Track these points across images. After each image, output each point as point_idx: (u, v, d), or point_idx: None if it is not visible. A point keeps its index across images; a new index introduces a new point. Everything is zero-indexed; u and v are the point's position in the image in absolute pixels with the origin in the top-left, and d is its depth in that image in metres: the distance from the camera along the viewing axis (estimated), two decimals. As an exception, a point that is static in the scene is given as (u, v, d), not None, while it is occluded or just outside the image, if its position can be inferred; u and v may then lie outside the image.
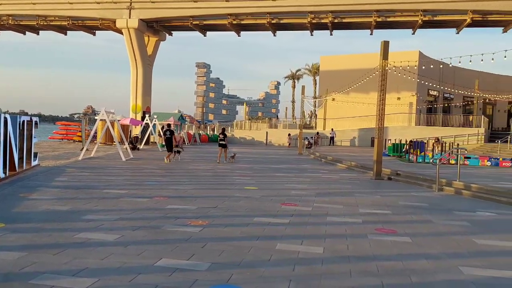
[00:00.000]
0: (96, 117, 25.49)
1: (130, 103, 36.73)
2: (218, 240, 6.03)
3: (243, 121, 50.64)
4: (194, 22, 34.57)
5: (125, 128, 28.95)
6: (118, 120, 25.87)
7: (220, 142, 20.36)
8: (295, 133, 36.66)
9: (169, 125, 22.34)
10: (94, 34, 40.06)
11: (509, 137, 30.22)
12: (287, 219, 7.55)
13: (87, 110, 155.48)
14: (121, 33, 35.50)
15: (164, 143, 21.24)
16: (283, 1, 32.19)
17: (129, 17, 34.32)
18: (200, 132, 46.07)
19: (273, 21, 33.29)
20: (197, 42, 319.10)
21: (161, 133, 32.07)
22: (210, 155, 24.78)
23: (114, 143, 25.77)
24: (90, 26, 37.80)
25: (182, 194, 10.04)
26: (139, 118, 34.64)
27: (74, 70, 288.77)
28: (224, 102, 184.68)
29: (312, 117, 51.36)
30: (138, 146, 28.06)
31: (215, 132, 48.80)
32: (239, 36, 37.39)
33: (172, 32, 38.77)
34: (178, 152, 20.27)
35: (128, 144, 24.10)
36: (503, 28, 32.02)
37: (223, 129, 21.94)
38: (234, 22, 33.97)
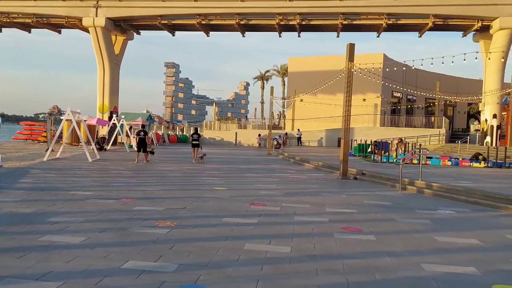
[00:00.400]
0: (62, 117, 24.79)
1: (97, 103, 35.89)
2: (186, 241, 5.99)
3: (213, 122, 50.43)
4: (162, 22, 34.16)
5: (91, 129, 28.29)
6: (85, 120, 25.26)
7: (193, 142, 20.40)
8: (265, 133, 36.82)
9: (143, 125, 22.28)
10: (59, 32, 38.91)
11: (468, 137, 31.41)
12: (255, 219, 7.59)
13: (53, 110, 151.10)
14: (88, 31, 34.65)
15: (131, 144, 21.05)
16: (252, 2, 32.28)
17: (96, 16, 33.54)
18: (169, 132, 45.56)
19: (241, 22, 33.32)
20: (166, 41, 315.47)
21: (129, 134, 31.70)
22: (180, 156, 24.58)
23: (80, 144, 25.19)
24: (55, 24, 36.69)
25: (150, 195, 9.92)
26: (106, 118, 33.90)
27: (39, 69, 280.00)
28: (193, 102, 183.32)
29: (281, 117, 51.71)
30: (105, 147, 27.47)
31: (184, 133, 48.42)
32: (208, 36, 37.21)
33: (140, 31, 38.15)
34: (152, 152, 20.24)
35: (95, 144, 23.57)
36: (462, 32, 33.21)
37: (196, 129, 21.95)
38: (203, 22, 33.80)
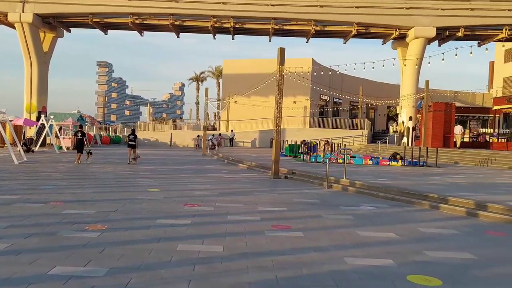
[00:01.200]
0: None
1: (24, 103, 33.44)
2: (117, 244, 5.79)
3: (147, 122, 49.09)
4: (94, 20, 32.60)
5: (18, 129, 26.40)
6: (10, 121, 23.49)
7: (130, 143, 19.95)
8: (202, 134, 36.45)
9: (81, 126, 21.70)
10: (-19, 27, 35.82)
11: (387, 138, 33.37)
12: (189, 220, 7.51)
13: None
14: (14, 27, 32.23)
15: (60, 145, 20.15)
16: (186, 3, 31.85)
17: (23, 11, 31.24)
18: (102, 133, 43.65)
19: (176, 23, 32.76)
20: (99, 40, 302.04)
21: (59, 135, 29.95)
22: (112, 157, 23.67)
23: (5, 145, 23.44)
24: (-24, 18, 33.72)
25: (81, 198, 9.45)
26: (34, 118, 31.71)
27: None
28: (127, 102, 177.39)
29: (216, 118, 51.58)
30: (32, 148, 25.74)
31: (118, 133, 46.67)
32: (142, 35, 36.14)
33: (70, 28, 36.15)
34: (90, 153, 19.54)
35: (22, 146, 22.02)
36: (382, 40, 35.20)
37: (133, 130, 21.38)
38: (137, 21, 32.76)
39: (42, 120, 27.90)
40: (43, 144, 29.98)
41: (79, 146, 19.11)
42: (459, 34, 31.55)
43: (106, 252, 5.39)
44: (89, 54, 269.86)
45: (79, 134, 19.27)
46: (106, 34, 36.19)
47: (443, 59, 25.09)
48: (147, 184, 12.22)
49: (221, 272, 4.79)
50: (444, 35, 32.37)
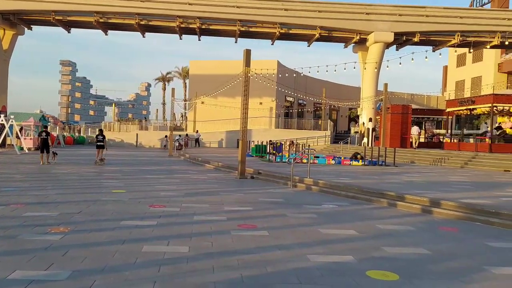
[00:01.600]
0: None
1: (-18, 102, 31.93)
2: (81, 246, 5.63)
3: (112, 123, 47.90)
4: (56, 17, 31.49)
5: (-25, 129, 25.12)
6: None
7: (98, 144, 19.53)
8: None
9: (45, 126, 21.25)
10: None
11: (349, 138, 34.13)
12: (154, 221, 7.40)
13: None
14: (-29, 24, 30.70)
15: (21, 146, 19.42)
16: (152, 3, 31.35)
17: (-20, 7, 29.85)
18: (65, 133, 42.21)
19: (141, 22, 32.15)
20: (62, 38, 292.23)
21: (19, 135, 28.73)
22: (76, 158, 23.00)
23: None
24: None
25: (44, 200, 9.12)
26: (-8, 118, 30.29)
27: None
28: (91, 102, 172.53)
29: (183, 119, 51.04)
30: (-9, 149, 24.59)
31: (81, 134, 45.30)
32: (106, 35, 35.24)
33: (32, 26, 34.77)
34: (55, 153, 18.99)
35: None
36: (344, 44, 35.94)
37: (101, 130, 20.96)
38: (101, 20, 31.92)
39: (2, 120, 26.68)
40: (3, 144, 28.74)
41: (43, 146, 18.58)
42: (415, 39, 32.72)
43: (69, 255, 5.23)
44: (52, 53, 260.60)
45: (44, 134, 18.78)
46: (69, 32, 35.10)
47: (400, 63, 26.00)
48: (112, 185, 11.94)
49: (187, 273, 4.75)
50: (401, 40, 33.47)
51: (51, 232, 6.31)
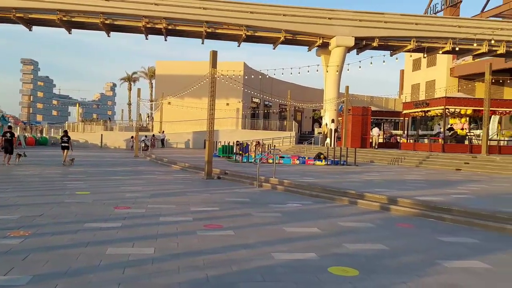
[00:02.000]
0: None
1: None
2: (42, 250, 5.43)
3: (76, 123, 46.39)
4: (17, 15, 30.15)
5: None
6: None
7: (63, 145, 19.15)
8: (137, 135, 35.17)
9: (9, 126, 20.41)
10: None
11: (313, 139, 34.64)
12: (119, 223, 7.23)
13: None
14: None
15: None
16: (117, 2, 30.63)
17: None
18: (26, 134, 40.50)
19: (106, 22, 31.32)
20: (23, 37, 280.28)
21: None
22: (38, 159, 22.13)
23: None
24: None
25: (3, 203, 8.72)
26: None
27: None
28: (54, 102, 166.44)
29: (149, 120, 50.13)
30: None
31: (44, 134, 43.60)
32: (70, 33, 34.05)
33: (-10, 24, 33.19)
34: (19, 154, 18.52)
35: None
36: (308, 47, 36.46)
37: (66, 131, 20.30)
38: (64, 18, 30.84)
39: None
40: (-40, 145, 27.14)
41: (7, 147, 17.97)
42: (375, 44, 33.67)
43: (30, 259, 5.03)
44: (12, 51, 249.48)
45: (8, 134, 18.19)
46: (30, 30, 33.68)
47: (360, 67, 26.67)
48: (76, 187, 11.57)
49: (152, 274, 4.68)
50: (361, 44, 34.34)
51: (10, 236, 6.05)
